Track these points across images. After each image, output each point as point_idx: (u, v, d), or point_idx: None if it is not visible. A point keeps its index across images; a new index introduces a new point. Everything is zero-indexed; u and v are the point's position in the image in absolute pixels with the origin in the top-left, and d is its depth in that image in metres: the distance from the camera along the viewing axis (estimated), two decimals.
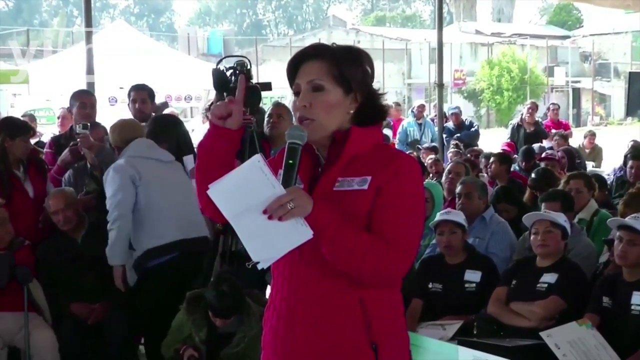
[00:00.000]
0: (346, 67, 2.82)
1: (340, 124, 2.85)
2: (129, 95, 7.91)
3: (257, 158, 2.64)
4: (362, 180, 2.77)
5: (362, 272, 2.71)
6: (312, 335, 2.80)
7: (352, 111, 2.86)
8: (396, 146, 14.92)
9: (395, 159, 2.82)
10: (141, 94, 7.85)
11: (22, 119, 6.86)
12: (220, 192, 2.67)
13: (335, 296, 2.78)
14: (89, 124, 6.79)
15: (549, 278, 5.68)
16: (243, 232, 2.68)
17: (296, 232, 2.64)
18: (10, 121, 6.80)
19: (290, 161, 2.72)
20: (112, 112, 15.00)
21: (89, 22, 9.38)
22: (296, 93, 2.88)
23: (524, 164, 11.15)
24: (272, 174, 2.62)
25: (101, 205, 6.42)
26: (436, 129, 15.28)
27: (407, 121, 15.83)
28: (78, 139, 6.68)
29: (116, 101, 17.64)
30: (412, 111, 15.89)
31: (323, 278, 2.77)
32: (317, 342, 2.81)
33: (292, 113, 2.91)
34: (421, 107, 15.97)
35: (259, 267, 2.71)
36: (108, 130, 6.75)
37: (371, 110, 2.89)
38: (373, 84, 2.93)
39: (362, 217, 2.74)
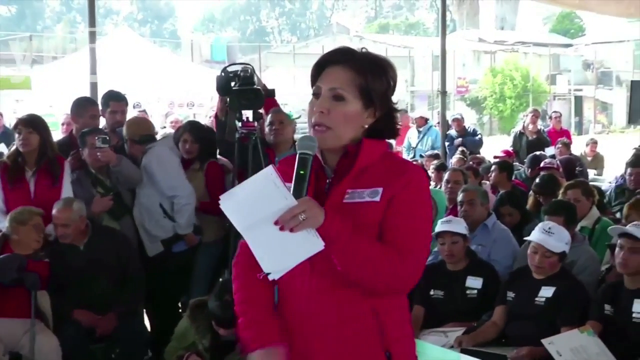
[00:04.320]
0: (372, 80, 2.78)
1: (354, 137, 2.82)
2: (106, 104, 7.73)
3: (270, 170, 2.62)
4: (373, 192, 2.74)
5: (376, 282, 2.69)
6: (328, 346, 2.78)
7: (366, 125, 2.83)
8: (404, 154, 14.95)
9: (405, 169, 2.79)
10: (121, 106, 7.78)
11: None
12: (232, 204, 2.65)
13: (348, 306, 2.76)
14: (108, 138, 6.80)
15: (547, 292, 5.68)
16: (254, 244, 2.67)
17: (308, 243, 2.62)
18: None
19: (302, 172, 2.68)
20: None
21: (92, 22, 9.37)
22: (315, 95, 2.83)
23: (530, 170, 11.14)
24: (284, 185, 2.60)
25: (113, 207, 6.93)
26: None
27: (410, 130, 15.81)
28: (98, 153, 6.72)
29: None
30: (414, 121, 15.88)
31: (335, 289, 2.75)
32: (333, 352, 2.79)
33: (307, 115, 2.87)
34: (421, 119, 15.83)
35: (270, 278, 2.69)
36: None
37: (386, 126, 2.86)
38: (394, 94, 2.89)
39: (373, 228, 2.72)
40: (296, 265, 2.69)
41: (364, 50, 2.90)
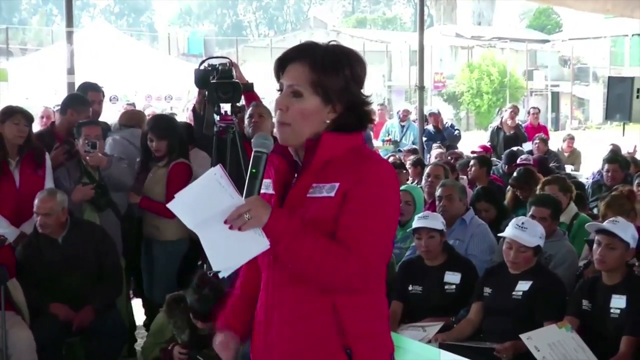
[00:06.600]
0: (325, 76, 2.77)
1: (316, 132, 2.81)
2: (84, 94, 7.79)
3: (214, 171, 2.67)
4: (330, 187, 2.74)
5: (320, 280, 2.70)
6: (286, 339, 2.80)
7: (329, 120, 2.81)
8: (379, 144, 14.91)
9: (363, 163, 2.77)
10: (98, 96, 7.83)
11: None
12: (181, 205, 2.68)
13: (306, 301, 2.77)
14: (97, 143, 6.82)
15: (524, 286, 5.69)
16: (205, 242, 2.70)
17: (254, 242, 2.66)
18: (3, 107, 6.83)
19: (254, 170, 2.72)
20: None
21: (70, 22, 9.32)
22: (280, 91, 2.85)
23: (506, 167, 11.17)
24: (230, 185, 2.64)
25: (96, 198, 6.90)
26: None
27: (391, 122, 15.79)
28: (87, 158, 6.81)
29: None
30: (397, 113, 15.84)
31: (294, 283, 2.76)
32: (290, 346, 2.80)
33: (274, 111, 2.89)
34: (406, 112, 15.89)
35: (220, 276, 2.73)
36: None
37: (352, 120, 2.84)
38: (361, 86, 2.87)
39: (329, 224, 2.71)
40: (243, 264, 2.76)
41: (332, 43, 2.90)
